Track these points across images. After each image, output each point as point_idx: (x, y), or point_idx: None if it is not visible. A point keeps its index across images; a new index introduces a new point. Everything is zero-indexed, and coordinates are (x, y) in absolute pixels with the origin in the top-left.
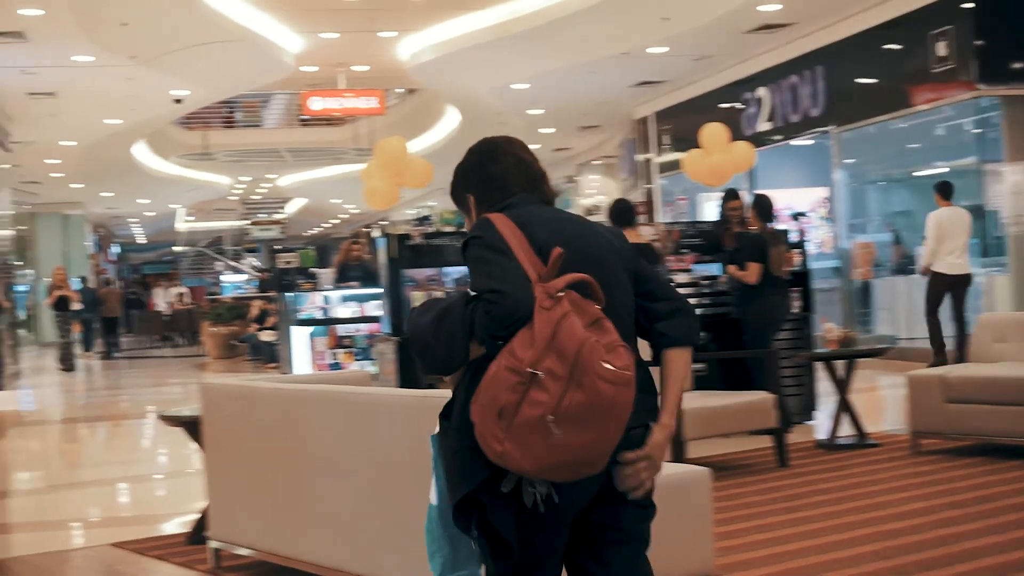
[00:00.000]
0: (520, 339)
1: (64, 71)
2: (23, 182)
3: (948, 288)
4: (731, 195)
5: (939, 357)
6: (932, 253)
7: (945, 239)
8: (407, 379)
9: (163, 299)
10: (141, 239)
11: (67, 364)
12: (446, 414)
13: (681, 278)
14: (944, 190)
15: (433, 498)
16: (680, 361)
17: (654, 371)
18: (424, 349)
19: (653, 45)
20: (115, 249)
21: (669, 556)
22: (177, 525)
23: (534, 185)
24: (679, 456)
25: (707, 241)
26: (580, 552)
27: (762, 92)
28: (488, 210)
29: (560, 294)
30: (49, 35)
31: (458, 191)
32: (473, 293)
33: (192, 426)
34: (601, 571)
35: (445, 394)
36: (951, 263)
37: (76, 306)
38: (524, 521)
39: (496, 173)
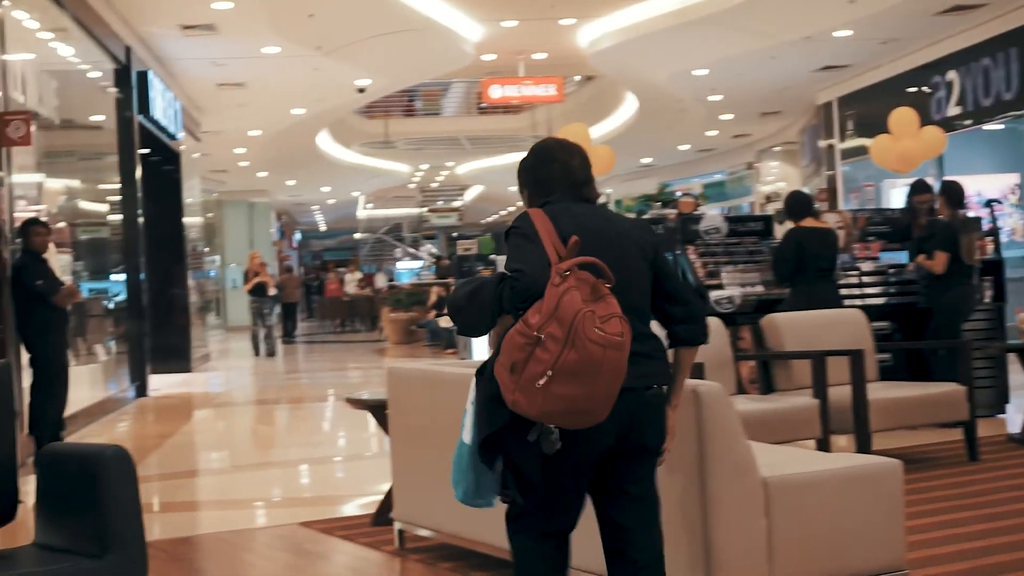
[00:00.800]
0: (533, 309)
1: (252, 62)
2: (212, 171)
3: None
4: (920, 187)
5: None
6: None
7: None
8: None
9: (345, 284)
10: (322, 226)
11: (268, 349)
12: (480, 372)
13: (867, 266)
14: None
15: (466, 437)
16: (687, 357)
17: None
18: (457, 313)
19: (838, 28)
20: (297, 236)
21: (861, 548)
22: (357, 507)
23: (575, 188)
24: (864, 447)
25: (894, 229)
26: (603, 503)
27: (952, 75)
28: (534, 204)
29: (567, 273)
30: (239, 27)
31: (520, 183)
32: (504, 272)
33: (378, 410)
34: (618, 518)
35: None
36: None
37: (273, 291)
38: (546, 465)
39: (544, 176)
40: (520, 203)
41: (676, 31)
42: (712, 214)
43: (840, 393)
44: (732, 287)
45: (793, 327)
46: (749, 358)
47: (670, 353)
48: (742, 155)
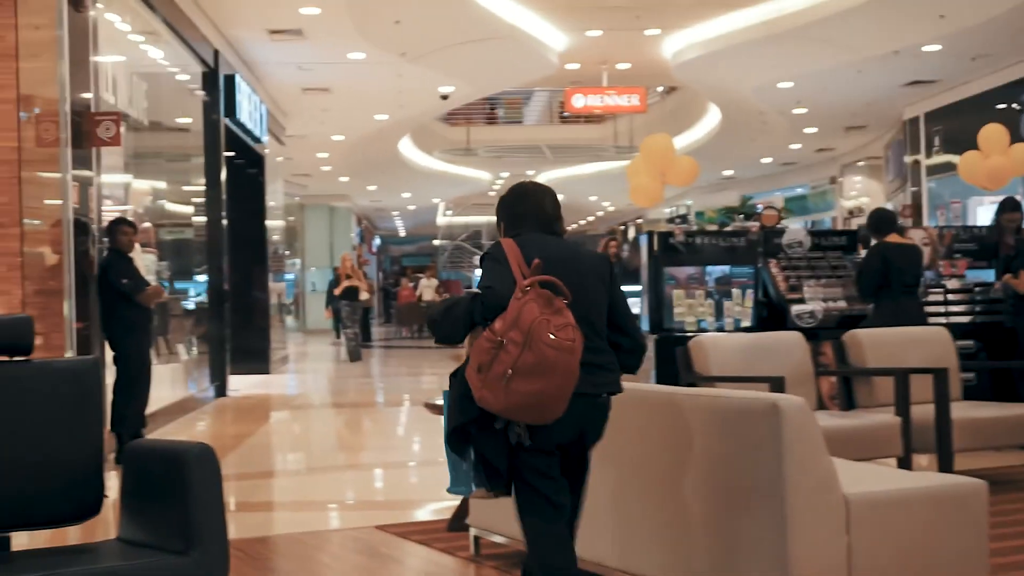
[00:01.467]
0: (499, 318)
1: (337, 67)
2: (294, 174)
3: None
4: (1010, 205)
5: None
6: None
7: None
8: (664, 376)
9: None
10: (402, 232)
11: (354, 354)
12: (454, 375)
13: (952, 284)
14: None
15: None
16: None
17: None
18: (434, 325)
19: (927, 43)
20: (377, 241)
21: (942, 569)
22: (431, 512)
23: (546, 223)
24: (947, 467)
25: (981, 247)
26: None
27: None
28: (508, 234)
29: (528, 288)
30: (325, 33)
31: (498, 216)
32: (477, 290)
33: None
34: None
35: (708, 392)
36: None
37: (365, 295)
38: (512, 453)
39: (519, 212)
40: (599, 212)
41: (762, 43)
42: (795, 228)
43: (922, 411)
44: (814, 302)
45: (876, 343)
46: (831, 373)
47: None
48: (825, 169)
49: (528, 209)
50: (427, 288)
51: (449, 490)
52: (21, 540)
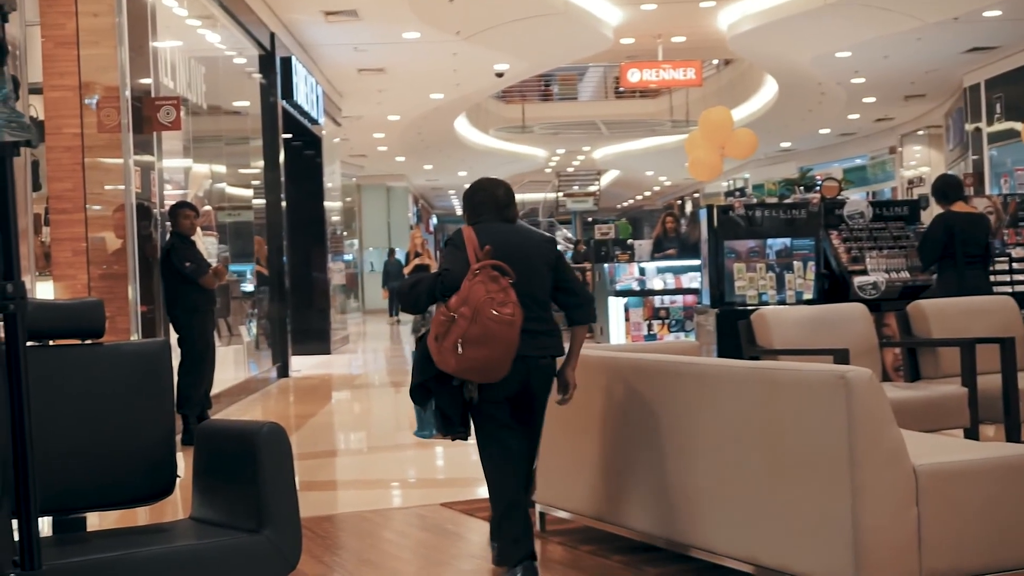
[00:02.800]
0: (454, 296)
1: (393, 48)
2: (351, 155)
3: None
4: None
5: None
6: None
7: None
8: (725, 350)
9: None
10: (459, 211)
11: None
12: (420, 340)
13: (1018, 252)
14: None
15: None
16: (579, 333)
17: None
18: (401, 296)
19: (987, 8)
20: (434, 220)
21: (1014, 540)
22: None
23: (499, 210)
24: (1014, 437)
25: None
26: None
27: None
28: (470, 222)
29: (478, 271)
30: (380, 13)
31: (463, 206)
32: (438, 271)
33: None
34: (520, 428)
35: (772, 365)
36: None
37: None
38: (467, 406)
39: (477, 201)
40: (656, 187)
41: (819, 13)
42: (856, 199)
43: (989, 382)
44: (876, 273)
45: (940, 314)
46: (896, 344)
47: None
48: (884, 139)
49: (484, 199)
50: None
51: (415, 433)
52: (92, 521)
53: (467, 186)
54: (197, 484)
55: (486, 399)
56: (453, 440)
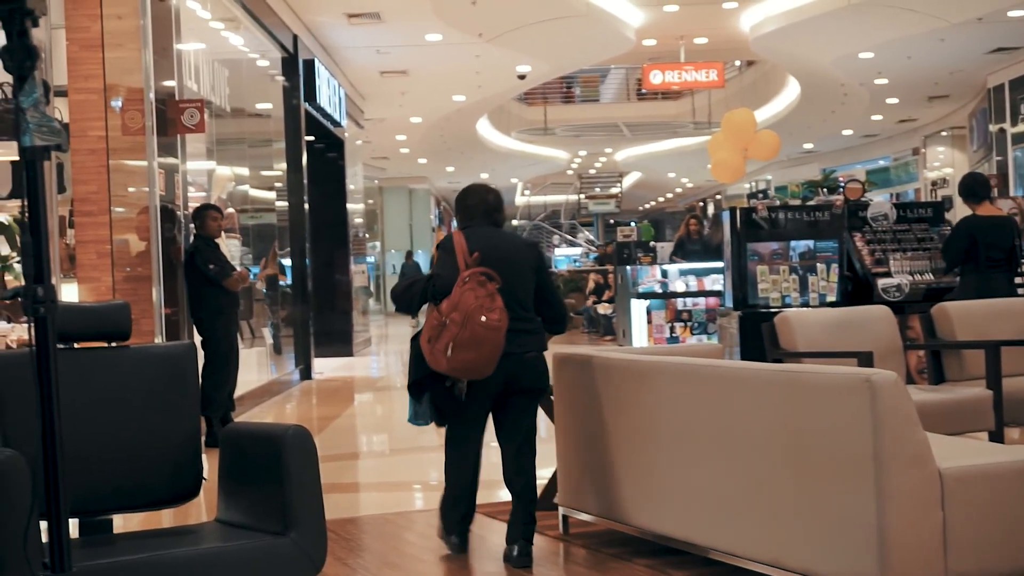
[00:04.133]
0: (445, 300)
1: (415, 50)
2: (373, 158)
3: None
4: None
5: None
6: None
7: None
8: (748, 353)
9: None
10: None
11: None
12: (414, 339)
13: None
14: None
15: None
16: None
17: None
18: (396, 298)
19: (1012, 8)
20: (455, 223)
21: None
22: None
23: (488, 215)
24: None
25: None
26: (498, 416)
27: None
28: (461, 226)
29: (468, 278)
30: (403, 15)
31: (455, 211)
32: (431, 275)
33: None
34: (506, 422)
35: (796, 367)
36: None
37: None
38: (456, 401)
39: (469, 205)
40: (678, 189)
41: (842, 14)
42: (879, 200)
43: (1014, 384)
44: (900, 275)
45: (965, 316)
46: (921, 347)
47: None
48: (908, 140)
49: (475, 203)
50: None
51: (409, 421)
52: (116, 523)
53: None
54: (223, 486)
55: (473, 395)
56: (440, 427)
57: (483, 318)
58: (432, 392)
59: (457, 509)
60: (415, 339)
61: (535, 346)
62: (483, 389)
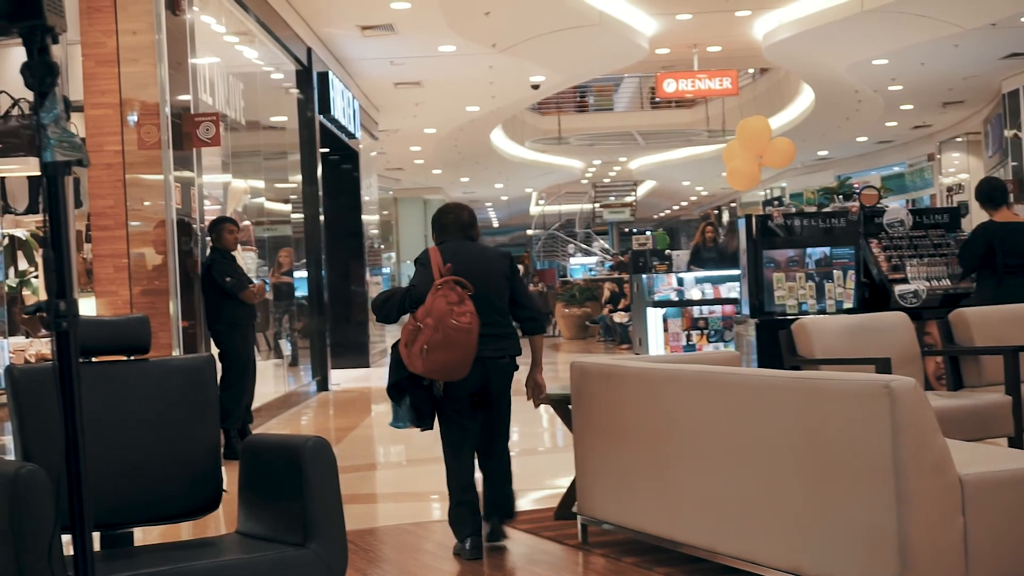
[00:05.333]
0: (420, 308)
1: (429, 61)
2: (388, 169)
3: None
4: None
5: None
6: None
7: None
8: (765, 360)
9: None
10: (495, 223)
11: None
12: (394, 346)
13: None
14: None
15: None
16: (536, 342)
17: None
18: (376, 308)
19: None
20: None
21: None
22: (531, 501)
23: (463, 231)
24: None
25: None
26: (480, 423)
27: None
28: (437, 241)
29: (440, 285)
30: (416, 27)
31: (432, 226)
32: (408, 286)
33: (560, 404)
34: (485, 419)
35: (815, 374)
36: None
37: None
38: (435, 401)
39: (444, 223)
40: (692, 197)
41: (855, 20)
42: (895, 207)
43: None
44: (917, 281)
45: (983, 322)
46: (939, 353)
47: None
48: (923, 146)
49: (451, 221)
50: None
51: (391, 424)
52: (136, 535)
53: (502, 197)
54: (243, 498)
55: (451, 396)
56: (423, 431)
57: (454, 321)
58: (411, 395)
59: (464, 511)
60: (395, 346)
61: (510, 350)
62: (461, 389)
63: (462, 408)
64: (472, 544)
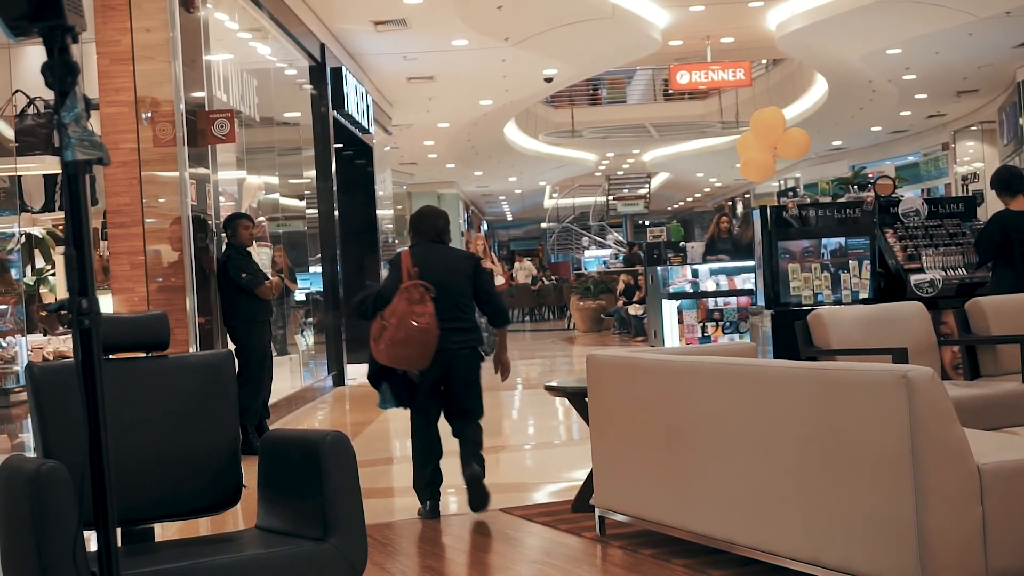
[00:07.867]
0: (387, 307)
1: (442, 55)
2: (402, 163)
3: None
4: None
5: None
6: None
7: None
8: (781, 351)
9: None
10: (509, 216)
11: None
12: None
13: None
14: None
15: None
16: (501, 332)
17: None
18: (353, 308)
19: None
20: (484, 226)
21: None
22: (547, 494)
23: (436, 234)
24: None
25: None
26: (446, 399)
27: None
28: (412, 243)
29: (405, 288)
30: (429, 21)
31: (409, 228)
32: (379, 288)
33: (577, 397)
34: (452, 404)
35: (832, 365)
36: None
37: (500, 280)
38: (411, 386)
39: (420, 228)
40: (706, 189)
41: (868, 10)
42: (910, 196)
43: None
44: (933, 271)
45: (999, 311)
46: (955, 343)
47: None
48: (937, 136)
49: (427, 227)
50: (520, 271)
51: (379, 405)
52: (155, 531)
53: (516, 191)
54: (262, 493)
55: (420, 382)
56: (406, 409)
57: (414, 321)
58: (389, 381)
59: (424, 477)
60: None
61: (471, 342)
62: (426, 378)
63: (427, 392)
64: (431, 507)
